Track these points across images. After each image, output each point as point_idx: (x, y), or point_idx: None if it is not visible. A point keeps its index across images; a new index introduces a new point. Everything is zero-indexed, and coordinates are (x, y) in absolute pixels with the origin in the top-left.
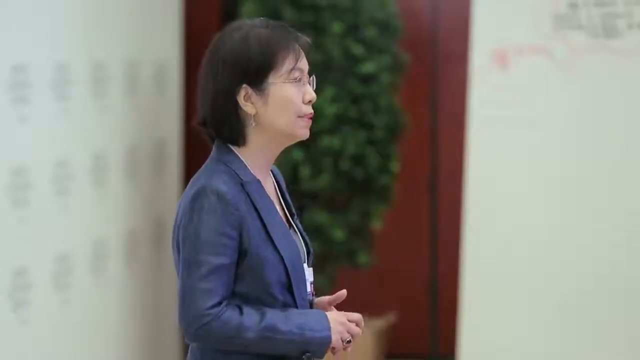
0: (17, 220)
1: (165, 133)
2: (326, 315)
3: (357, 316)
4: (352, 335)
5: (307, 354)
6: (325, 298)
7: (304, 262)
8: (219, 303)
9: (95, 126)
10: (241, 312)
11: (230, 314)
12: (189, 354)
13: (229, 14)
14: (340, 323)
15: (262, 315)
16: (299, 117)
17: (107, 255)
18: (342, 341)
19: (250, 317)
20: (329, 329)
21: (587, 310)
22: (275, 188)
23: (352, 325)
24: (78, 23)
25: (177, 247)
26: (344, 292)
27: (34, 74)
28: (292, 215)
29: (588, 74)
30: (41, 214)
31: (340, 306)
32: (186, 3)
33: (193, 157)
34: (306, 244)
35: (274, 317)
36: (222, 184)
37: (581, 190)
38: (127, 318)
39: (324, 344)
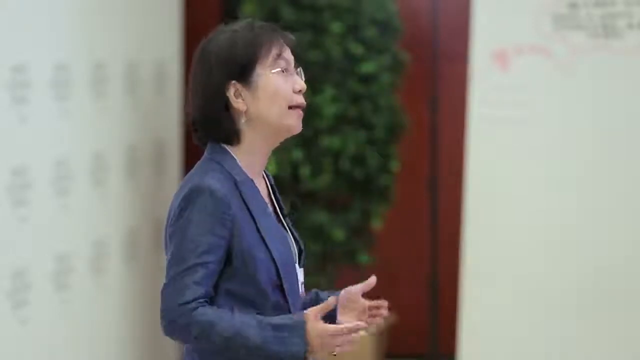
0: (17, 220)
1: (165, 133)
2: (304, 326)
3: (347, 328)
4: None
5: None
6: (356, 287)
7: (295, 262)
8: (192, 300)
9: (95, 126)
10: (213, 313)
11: (201, 313)
12: (184, 353)
13: (229, 14)
14: (321, 337)
15: (235, 319)
16: (290, 107)
17: (107, 255)
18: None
19: (222, 319)
20: (303, 341)
21: (587, 310)
22: (267, 188)
23: (337, 340)
24: (78, 23)
25: (166, 244)
26: (373, 279)
27: (34, 74)
28: (284, 216)
29: (588, 74)
30: (41, 214)
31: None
32: (186, 3)
33: (193, 157)
34: (298, 245)
35: (247, 325)
36: (215, 182)
37: (581, 190)
38: (127, 318)
39: (296, 357)
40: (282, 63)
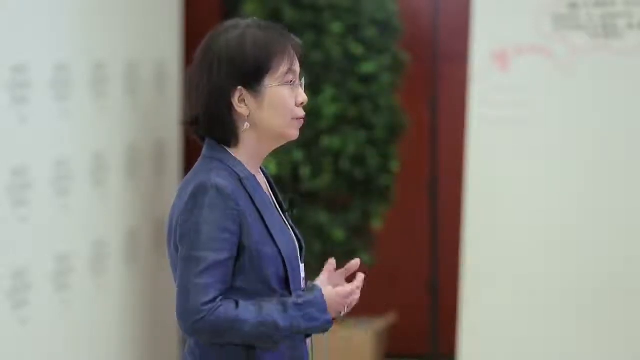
0: (17, 220)
1: (165, 133)
2: (323, 297)
3: (350, 288)
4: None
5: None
6: (338, 272)
7: (298, 258)
8: (215, 298)
9: (95, 126)
10: (237, 306)
11: (225, 308)
12: (186, 351)
13: (229, 14)
14: (333, 300)
15: (260, 308)
16: (292, 119)
17: (107, 255)
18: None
19: (247, 310)
20: (326, 311)
21: (587, 310)
22: (266, 185)
23: (346, 300)
24: (78, 23)
25: (175, 244)
26: (357, 261)
27: (34, 74)
28: (283, 212)
29: (588, 74)
30: (41, 214)
31: None
32: (186, 3)
33: (193, 157)
34: (298, 240)
35: (273, 311)
36: (221, 179)
37: (581, 190)
38: (127, 318)
39: (326, 328)
40: (290, 76)
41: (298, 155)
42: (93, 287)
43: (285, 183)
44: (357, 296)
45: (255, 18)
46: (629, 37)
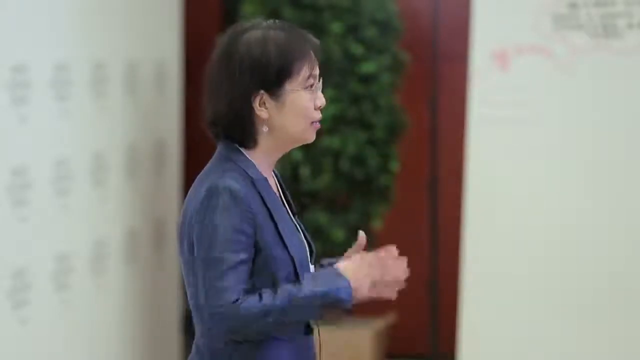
0: (17, 220)
1: (165, 133)
2: (337, 268)
3: (380, 255)
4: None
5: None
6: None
7: (308, 260)
8: (237, 300)
9: (95, 126)
10: (260, 298)
11: (248, 303)
12: (192, 352)
13: (229, 14)
14: (359, 266)
15: (277, 291)
16: (311, 123)
17: (107, 255)
18: (382, 281)
19: (267, 296)
20: (342, 276)
21: (587, 310)
22: (277, 187)
23: (381, 264)
24: (78, 23)
25: (190, 246)
26: (361, 236)
27: (34, 74)
28: (293, 214)
29: (588, 74)
30: (41, 214)
31: None
32: (186, 3)
33: (193, 157)
34: (308, 243)
35: (289, 288)
36: (233, 181)
37: (581, 190)
38: (127, 318)
39: (347, 290)
40: (311, 81)
41: (298, 155)
42: (93, 287)
43: (285, 183)
44: (398, 269)
45: (276, 20)
46: (629, 37)
